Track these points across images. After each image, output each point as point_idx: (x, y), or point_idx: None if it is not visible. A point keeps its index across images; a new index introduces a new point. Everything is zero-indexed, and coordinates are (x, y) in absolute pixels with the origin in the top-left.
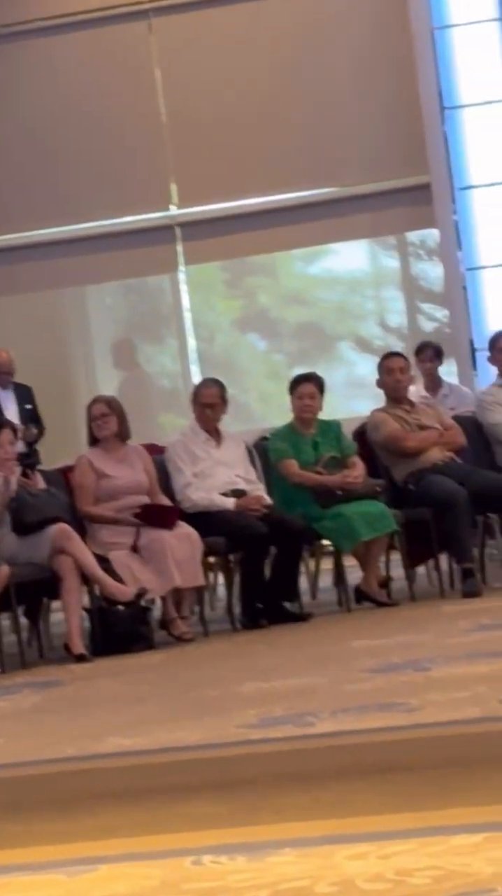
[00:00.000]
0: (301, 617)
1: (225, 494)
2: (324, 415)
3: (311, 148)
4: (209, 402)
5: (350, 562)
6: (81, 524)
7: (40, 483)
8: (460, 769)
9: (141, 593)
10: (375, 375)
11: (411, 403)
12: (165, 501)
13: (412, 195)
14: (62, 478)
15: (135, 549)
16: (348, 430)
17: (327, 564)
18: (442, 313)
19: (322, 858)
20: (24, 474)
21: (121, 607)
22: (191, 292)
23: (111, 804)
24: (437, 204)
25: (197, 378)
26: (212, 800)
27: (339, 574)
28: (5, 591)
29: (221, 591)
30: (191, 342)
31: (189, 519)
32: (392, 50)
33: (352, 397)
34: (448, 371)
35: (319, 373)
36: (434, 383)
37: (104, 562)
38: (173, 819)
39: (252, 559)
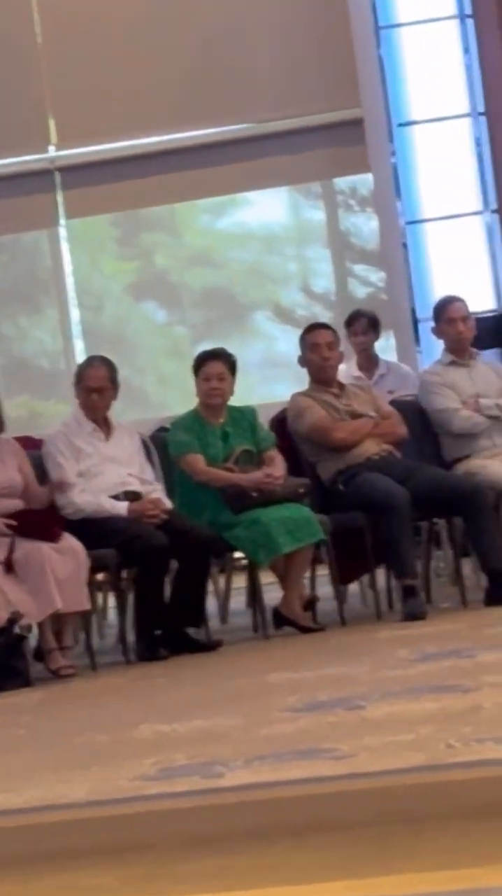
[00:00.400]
0: (208, 646)
1: (115, 497)
2: (235, 400)
3: (219, 77)
4: (96, 386)
5: (268, 578)
6: None
7: None
8: (401, 828)
9: (14, 619)
10: (297, 352)
11: (341, 386)
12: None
13: (341, 133)
14: None
15: (7, 565)
16: (265, 419)
17: (240, 582)
18: (377, 276)
19: None
20: None
21: None
22: (75, 252)
23: None
24: (371, 144)
25: (81, 356)
26: (102, 868)
27: (255, 593)
28: None
29: (112, 615)
30: (75, 313)
31: (72, 528)
32: None
33: (270, 379)
34: (385, 346)
35: (230, 349)
36: (368, 361)
37: None
38: (54, 892)
39: (149, 576)
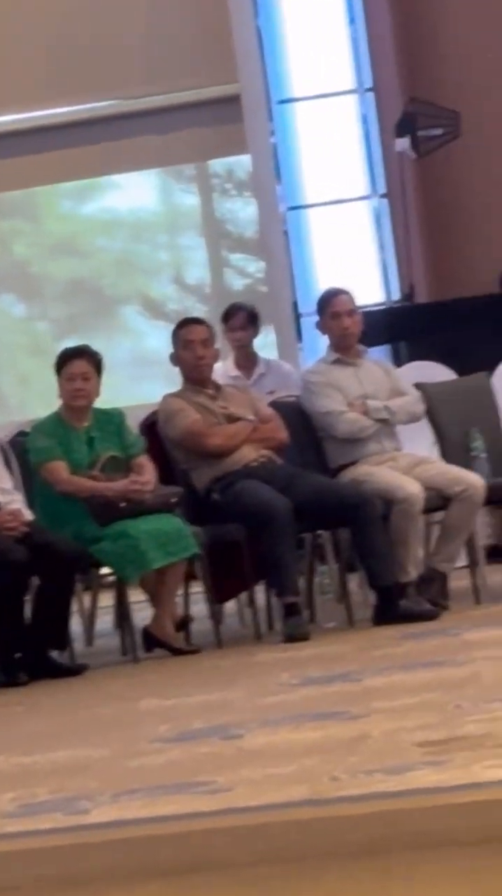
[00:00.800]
0: (72, 670)
1: None
2: (101, 402)
3: (82, 49)
4: None
5: (137, 596)
6: None
7: None
8: (282, 868)
9: None
10: (169, 349)
11: (216, 386)
12: None
13: (216, 111)
14: None
15: None
16: (134, 422)
17: (107, 600)
18: (256, 266)
19: None
20: None
21: None
22: None
23: None
24: (249, 122)
25: None
26: None
27: (123, 613)
28: None
29: None
30: None
31: None
32: None
33: (140, 378)
34: (264, 343)
35: (96, 346)
36: (246, 359)
37: None
38: None
39: (7, 594)
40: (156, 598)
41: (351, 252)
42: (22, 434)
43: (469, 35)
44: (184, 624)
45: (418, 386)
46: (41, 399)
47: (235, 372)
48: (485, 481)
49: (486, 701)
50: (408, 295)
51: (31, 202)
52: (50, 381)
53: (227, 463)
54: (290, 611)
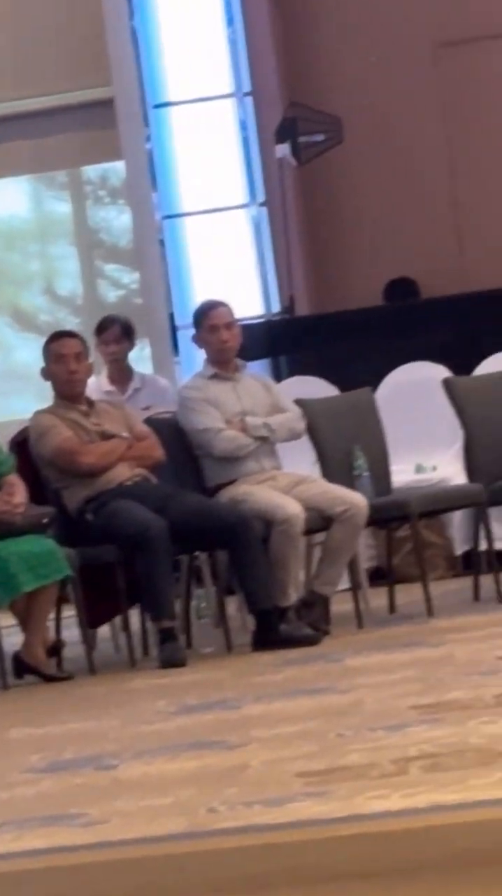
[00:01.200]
0: None
1: None
2: None
3: None
4: None
5: (7, 620)
6: None
7: None
8: None
9: None
10: (40, 363)
11: (89, 402)
12: None
13: (88, 115)
14: None
15: None
16: (3, 439)
17: None
18: (130, 277)
19: None
20: None
21: None
22: None
23: None
24: (123, 127)
25: None
26: None
27: None
28: None
29: None
30: None
31: None
32: None
33: (10, 392)
34: (139, 356)
35: None
36: (121, 374)
37: None
38: None
39: None
40: (26, 623)
41: (229, 263)
42: None
43: (350, 39)
44: (55, 649)
45: (299, 402)
46: None
47: (109, 387)
48: (368, 501)
49: (369, 729)
50: (289, 307)
51: None
52: None
53: (101, 482)
54: (166, 636)
